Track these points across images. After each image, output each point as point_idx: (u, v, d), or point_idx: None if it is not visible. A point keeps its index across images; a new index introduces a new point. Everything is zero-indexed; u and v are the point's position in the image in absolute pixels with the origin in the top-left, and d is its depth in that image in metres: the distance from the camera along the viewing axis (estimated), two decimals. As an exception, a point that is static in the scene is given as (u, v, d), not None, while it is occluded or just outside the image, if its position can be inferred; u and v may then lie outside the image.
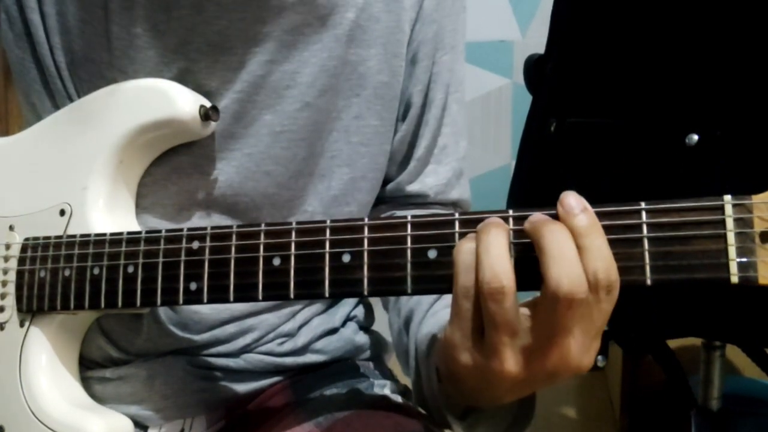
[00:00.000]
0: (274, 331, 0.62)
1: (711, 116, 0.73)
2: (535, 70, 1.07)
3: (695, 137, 0.73)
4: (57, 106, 0.59)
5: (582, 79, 0.89)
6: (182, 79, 0.55)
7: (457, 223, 0.42)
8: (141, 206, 0.57)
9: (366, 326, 0.72)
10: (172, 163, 0.57)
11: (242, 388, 0.61)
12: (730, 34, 0.73)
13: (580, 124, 0.87)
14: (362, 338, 0.69)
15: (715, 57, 0.74)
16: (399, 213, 0.66)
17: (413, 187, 0.66)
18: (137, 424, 0.58)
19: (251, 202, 0.58)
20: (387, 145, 0.64)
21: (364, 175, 0.63)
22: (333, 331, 0.67)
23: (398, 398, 0.62)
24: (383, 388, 0.63)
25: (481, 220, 0.41)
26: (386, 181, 0.67)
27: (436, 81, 0.65)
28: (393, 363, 0.73)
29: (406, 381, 0.67)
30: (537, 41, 1.15)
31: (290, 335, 0.63)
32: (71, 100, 0.58)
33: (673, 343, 1.12)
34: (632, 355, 1.46)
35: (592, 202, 0.41)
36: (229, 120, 0.56)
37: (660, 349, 1.12)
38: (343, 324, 0.69)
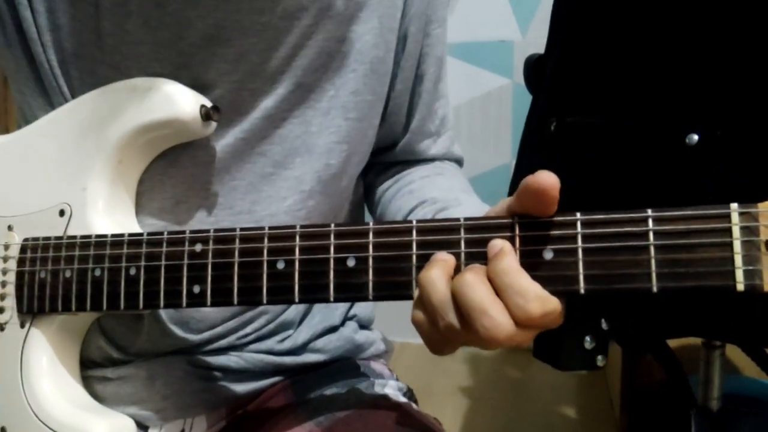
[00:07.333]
0: (275, 321, 0.62)
1: (711, 116, 0.73)
2: (535, 69, 1.07)
3: (695, 137, 0.72)
4: (52, 104, 0.58)
5: (582, 79, 0.88)
6: (177, 73, 0.55)
7: (462, 229, 0.42)
8: (139, 203, 0.57)
9: (366, 325, 0.72)
10: (167, 157, 0.56)
11: (242, 388, 0.61)
12: (730, 33, 0.73)
13: (580, 124, 0.87)
14: (362, 337, 0.69)
15: (715, 57, 0.73)
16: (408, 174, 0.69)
17: (415, 157, 0.69)
18: (137, 424, 0.57)
19: (249, 185, 0.58)
20: (377, 119, 0.64)
21: (357, 150, 0.63)
22: (333, 329, 0.67)
23: (399, 397, 0.62)
24: (384, 387, 0.63)
25: (486, 227, 0.41)
26: (382, 150, 0.68)
27: (429, 54, 0.66)
28: (394, 362, 0.74)
29: (407, 380, 0.68)
30: (537, 41, 1.15)
31: (292, 325, 0.63)
32: (65, 98, 0.57)
33: (673, 343, 1.12)
34: (632, 354, 1.46)
35: (593, 201, 0.41)
36: (225, 108, 0.56)
37: (660, 348, 1.12)
38: (343, 323, 0.69)
